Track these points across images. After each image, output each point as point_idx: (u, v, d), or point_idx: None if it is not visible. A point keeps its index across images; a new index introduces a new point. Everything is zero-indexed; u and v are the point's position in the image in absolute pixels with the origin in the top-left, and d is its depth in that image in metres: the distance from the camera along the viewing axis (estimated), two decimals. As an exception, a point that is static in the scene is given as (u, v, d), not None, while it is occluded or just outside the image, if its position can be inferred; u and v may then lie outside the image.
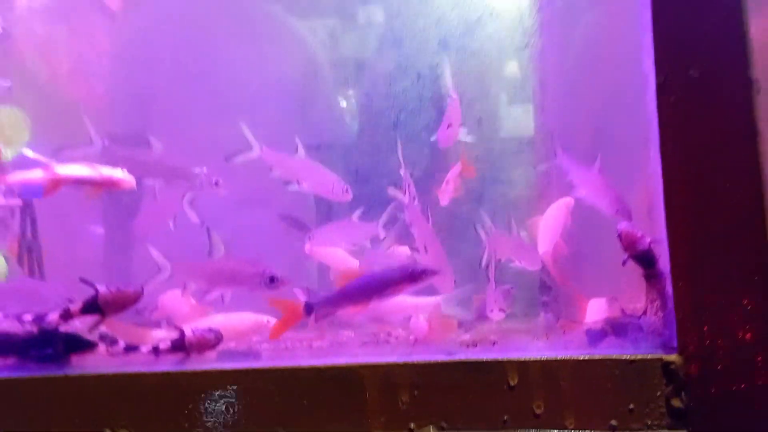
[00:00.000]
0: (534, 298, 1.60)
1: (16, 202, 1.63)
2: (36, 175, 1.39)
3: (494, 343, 1.26)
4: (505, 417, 1.06)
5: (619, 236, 1.19)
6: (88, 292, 1.25)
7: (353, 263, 1.60)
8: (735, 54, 1.03)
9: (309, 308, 1.30)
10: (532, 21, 1.89)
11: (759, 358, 0.99)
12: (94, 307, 1.26)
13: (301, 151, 1.56)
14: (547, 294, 1.58)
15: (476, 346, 1.23)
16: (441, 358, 1.10)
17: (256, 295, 1.41)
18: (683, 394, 1.04)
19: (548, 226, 1.66)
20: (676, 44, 1.08)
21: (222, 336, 1.26)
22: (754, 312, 1.00)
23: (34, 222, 1.66)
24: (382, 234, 1.58)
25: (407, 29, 2.01)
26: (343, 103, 2.36)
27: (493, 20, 1.84)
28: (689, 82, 1.06)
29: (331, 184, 1.54)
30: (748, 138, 1.01)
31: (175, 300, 1.67)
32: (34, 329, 1.20)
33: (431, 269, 1.30)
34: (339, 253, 1.64)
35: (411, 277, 1.29)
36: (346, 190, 1.54)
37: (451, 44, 1.83)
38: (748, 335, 1.00)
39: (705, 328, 1.04)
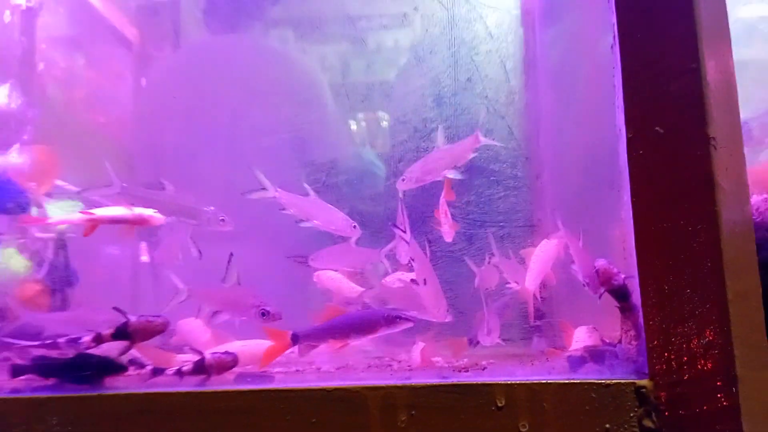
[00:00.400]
0: (526, 324, 1.69)
1: (51, 235, 1.76)
2: (76, 217, 1.51)
3: (484, 368, 1.36)
4: (494, 435, 1.16)
5: (597, 272, 1.31)
6: (120, 320, 1.37)
7: (356, 290, 1.72)
8: (696, 115, 1.15)
9: (295, 339, 1.42)
10: (517, 81, 2.04)
11: (719, 383, 1.09)
12: (124, 334, 1.38)
13: (312, 193, 1.68)
14: (539, 320, 1.68)
15: (468, 370, 1.33)
16: (436, 381, 1.21)
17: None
18: (653, 415, 1.14)
19: (538, 260, 1.76)
20: (643, 104, 1.20)
21: (238, 359, 1.37)
22: (714, 342, 1.10)
23: (66, 253, 1.78)
24: (383, 260, 1.69)
25: (407, 87, 2.17)
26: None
27: (482, 79, 1.98)
28: (655, 138, 1.18)
29: (340, 221, 1.66)
30: (706, 188, 1.13)
31: (192, 326, 1.78)
32: (72, 354, 1.31)
33: (407, 317, 1.42)
34: (343, 282, 1.76)
35: (387, 321, 1.42)
36: (354, 227, 1.66)
37: (445, 102, 1.97)
38: (710, 363, 1.11)
39: (672, 357, 1.14)
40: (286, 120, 2.30)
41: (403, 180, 1.68)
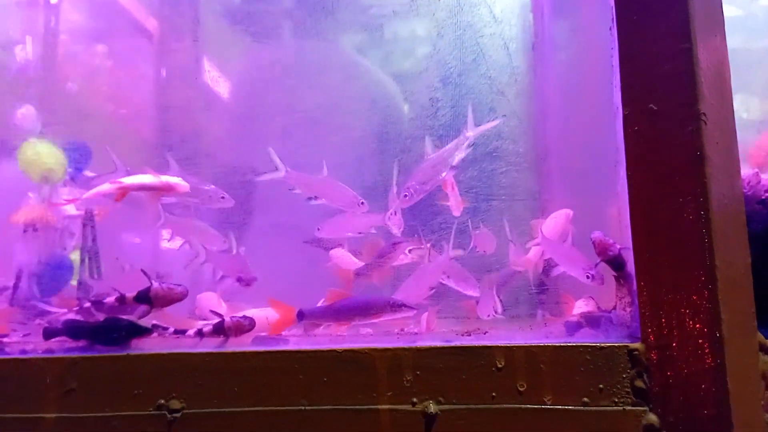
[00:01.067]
0: (530, 296, 1.73)
1: (80, 212, 1.83)
2: (106, 187, 1.58)
3: (485, 333, 1.41)
4: (493, 394, 1.21)
5: (593, 243, 1.35)
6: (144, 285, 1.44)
7: (355, 263, 1.78)
8: (687, 92, 1.19)
9: (301, 315, 1.48)
10: (519, 62, 2.07)
11: (705, 345, 1.14)
12: (146, 298, 1.44)
13: (325, 170, 1.73)
14: (543, 293, 1.72)
15: (470, 335, 1.38)
16: (440, 344, 1.26)
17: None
18: (645, 376, 1.18)
19: (544, 233, 1.80)
20: (639, 83, 1.23)
21: (255, 323, 1.43)
22: (700, 307, 1.14)
23: (94, 229, 1.85)
24: (387, 224, 1.73)
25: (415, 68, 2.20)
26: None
27: (486, 60, 2.01)
28: (650, 115, 1.22)
29: (348, 197, 1.71)
30: (697, 162, 1.17)
31: (210, 299, 1.85)
32: (101, 318, 1.38)
33: (409, 305, 1.48)
34: (345, 256, 1.82)
35: (392, 307, 1.47)
36: (362, 203, 1.71)
37: (450, 82, 2.00)
38: (697, 326, 1.15)
39: (663, 321, 1.18)
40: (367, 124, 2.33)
41: (405, 197, 1.70)
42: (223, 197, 1.76)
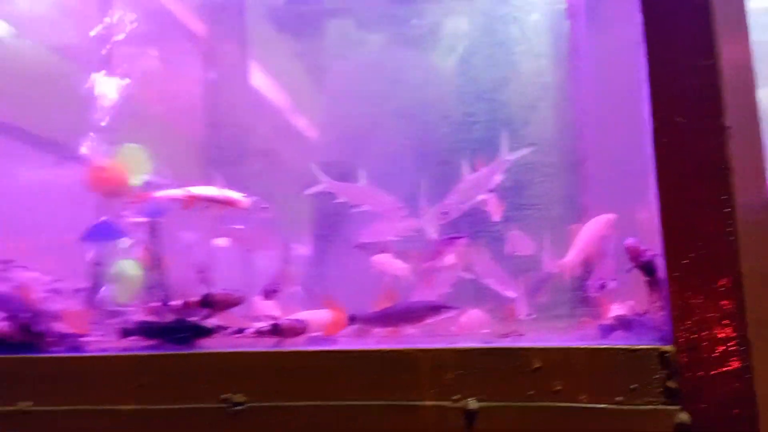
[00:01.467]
0: (568, 299, 1.79)
1: (144, 219, 1.97)
2: (177, 192, 1.72)
3: (522, 335, 1.48)
4: (530, 392, 1.28)
5: (626, 249, 1.40)
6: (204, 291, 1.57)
7: (402, 267, 1.87)
8: (711, 106, 1.23)
9: (352, 320, 1.58)
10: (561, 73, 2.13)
11: (732, 348, 1.18)
12: (208, 303, 1.57)
13: (363, 179, 1.83)
14: (579, 296, 1.77)
15: (508, 336, 1.46)
16: (479, 345, 1.34)
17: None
18: (676, 377, 1.24)
19: (581, 238, 1.85)
20: (666, 97, 1.28)
21: (307, 326, 1.53)
22: (729, 312, 1.19)
23: (159, 235, 1.99)
24: (426, 228, 1.82)
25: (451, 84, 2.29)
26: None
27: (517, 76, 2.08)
28: (677, 127, 1.27)
29: (388, 204, 1.80)
30: (722, 172, 1.21)
31: (264, 303, 1.97)
32: (171, 320, 1.51)
33: (450, 307, 1.56)
34: (392, 261, 1.92)
35: (434, 309, 1.55)
36: (401, 208, 1.80)
37: (484, 97, 2.08)
38: (724, 330, 1.19)
39: (692, 325, 1.23)
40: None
41: (444, 214, 1.77)
42: (265, 207, 1.87)
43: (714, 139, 1.23)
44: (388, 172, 2.40)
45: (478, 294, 1.70)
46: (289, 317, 1.54)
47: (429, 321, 1.55)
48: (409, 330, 1.61)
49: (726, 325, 1.19)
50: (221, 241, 1.86)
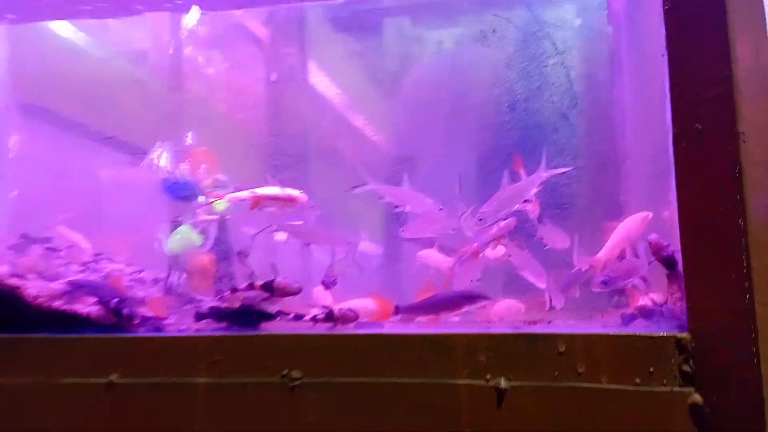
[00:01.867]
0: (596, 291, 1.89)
1: (215, 217, 2.19)
2: (245, 194, 1.93)
3: (549, 322, 1.60)
4: (555, 373, 1.40)
5: (649, 244, 1.51)
6: (269, 277, 1.75)
7: (446, 261, 2.01)
8: (727, 115, 1.32)
9: (397, 310, 1.73)
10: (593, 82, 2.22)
11: (741, 337, 1.27)
12: (269, 288, 1.75)
13: (406, 183, 1.98)
14: (608, 289, 1.86)
15: (536, 323, 1.58)
16: (510, 330, 1.47)
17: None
18: (691, 361, 1.34)
19: (617, 235, 1.93)
20: (685, 105, 1.38)
21: (358, 314, 1.70)
22: (737, 303, 1.28)
23: (226, 231, 2.21)
24: (463, 225, 1.95)
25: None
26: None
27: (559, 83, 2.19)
28: (695, 134, 1.36)
29: (428, 205, 1.95)
30: (735, 176, 1.30)
31: (321, 293, 2.15)
32: (237, 305, 1.70)
33: (484, 296, 1.69)
34: (436, 256, 2.06)
35: (469, 299, 1.69)
36: (440, 209, 1.94)
37: (517, 107, 2.20)
38: (735, 320, 1.29)
39: (705, 315, 1.33)
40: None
41: (480, 220, 1.89)
42: (312, 206, 2.04)
43: (729, 145, 1.32)
44: (437, 171, 2.56)
45: (513, 284, 1.82)
46: (341, 306, 1.71)
47: (466, 309, 1.69)
48: (449, 317, 1.76)
49: (736, 315, 1.28)
50: (281, 236, 2.04)
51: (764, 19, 1.42)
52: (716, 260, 1.32)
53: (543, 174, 1.92)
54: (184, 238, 2.10)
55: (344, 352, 1.53)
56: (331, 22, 3.29)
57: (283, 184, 2.06)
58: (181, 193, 2.20)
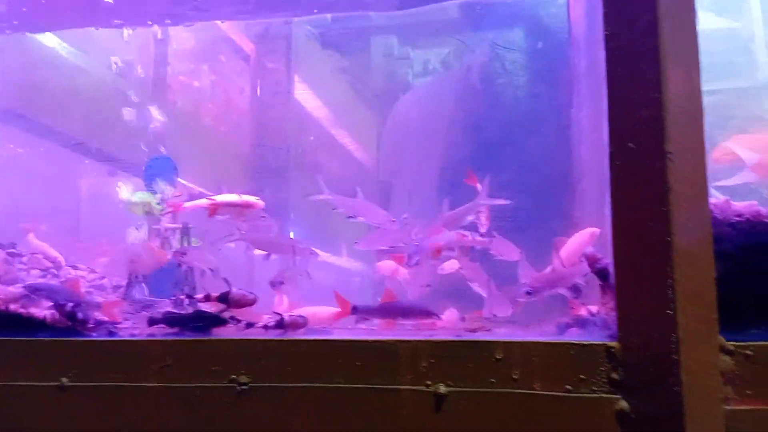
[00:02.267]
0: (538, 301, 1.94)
1: (179, 226, 2.21)
2: (202, 202, 1.96)
3: (489, 330, 1.64)
4: (492, 380, 1.45)
5: (585, 257, 1.56)
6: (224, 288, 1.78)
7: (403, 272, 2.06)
8: (656, 135, 1.39)
9: (354, 310, 1.77)
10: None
11: (665, 346, 1.33)
12: (225, 299, 1.78)
13: (360, 195, 2.03)
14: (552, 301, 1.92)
15: (476, 331, 1.63)
16: (451, 338, 1.51)
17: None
18: (620, 370, 1.39)
19: (565, 250, 2.00)
20: (621, 126, 1.44)
21: (307, 320, 1.74)
22: (661, 314, 1.34)
23: (189, 239, 2.23)
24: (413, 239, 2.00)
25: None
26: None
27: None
28: (628, 152, 1.43)
29: (382, 216, 1.99)
30: (662, 193, 1.36)
31: (279, 300, 2.18)
32: (191, 311, 1.73)
33: (436, 314, 1.74)
34: (394, 267, 2.11)
35: (425, 313, 1.74)
36: (393, 221, 1.98)
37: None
38: (659, 330, 1.34)
39: (633, 325, 1.38)
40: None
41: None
42: (263, 217, 2.08)
43: (657, 163, 1.38)
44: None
45: (459, 292, 1.87)
46: (291, 313, 1.74)
47: (419, 321, 1.74)
48: (402, 323, 1.80)
49: (661, 325, 1.34)
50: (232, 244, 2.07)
51: (697, 46, 1.48)
52: (644, 272, 1.37)
53: (481, 202, 1.98)
54: (144, 200, 2.14)
55: (293, 358, 1.56)
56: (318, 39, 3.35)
57: (255, 194, 2.10)
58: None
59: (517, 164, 2.67)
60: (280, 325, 1.71)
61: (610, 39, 1.51)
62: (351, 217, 2.00)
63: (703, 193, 1.42)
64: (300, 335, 1.65)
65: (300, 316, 1.73)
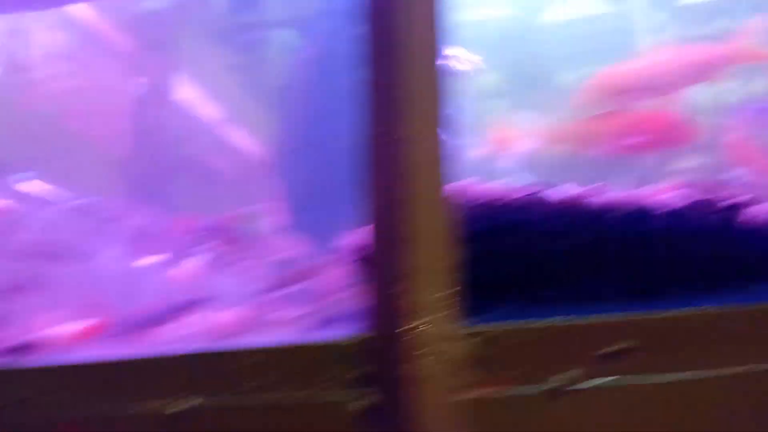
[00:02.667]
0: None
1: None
2: None
3: (240, 336, 1.56)
4: (239, 388, 1.35)
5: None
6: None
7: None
8: (396, 119, 1.34)
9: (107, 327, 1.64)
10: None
11: (407, 342, 1.28)
12: None
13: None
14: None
15: (227, 338, 1.53)
16: (201, 349, 1.41)
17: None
18: (366, 365, 1.33)
19: None
20: (371, 111, 1.40)
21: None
22: (404, 308, 1.29)
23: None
24: None
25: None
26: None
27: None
28: (375, 139, 1.38)
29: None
30: (400, 177, 1.32)
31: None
32: None
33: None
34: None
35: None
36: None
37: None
38: (402, 326, 1.29)
39: (380, 319, 1.33)
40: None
41: None
42: None
43: (394, 148, 1.34)
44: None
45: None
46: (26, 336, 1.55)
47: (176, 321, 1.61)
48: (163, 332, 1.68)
49: (401, 318, 1.29)
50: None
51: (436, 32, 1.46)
52: (386, 259, 1.33)
53: None
54: None
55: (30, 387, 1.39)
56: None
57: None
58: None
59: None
60: (16, 350, 1.52)
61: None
62: None
63: (438, 176, 1.39)
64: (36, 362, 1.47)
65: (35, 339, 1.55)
